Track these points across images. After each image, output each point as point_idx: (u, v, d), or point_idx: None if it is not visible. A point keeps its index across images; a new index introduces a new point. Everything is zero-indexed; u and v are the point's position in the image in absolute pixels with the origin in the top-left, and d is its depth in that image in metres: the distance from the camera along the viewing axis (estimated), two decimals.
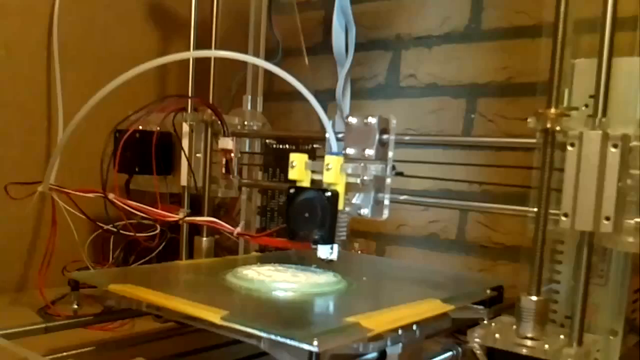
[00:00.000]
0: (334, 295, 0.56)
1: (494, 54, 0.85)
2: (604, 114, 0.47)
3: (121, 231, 0.72)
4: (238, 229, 0.64)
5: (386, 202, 0.57)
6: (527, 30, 0.82)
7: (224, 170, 0.74)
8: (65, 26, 0.87)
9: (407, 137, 0.70)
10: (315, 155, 0.83)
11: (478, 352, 0.50)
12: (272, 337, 0.40)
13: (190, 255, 0.78)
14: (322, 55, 0.95)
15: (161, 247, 0.74)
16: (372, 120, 0.57)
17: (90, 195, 0.66)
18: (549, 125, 0.48)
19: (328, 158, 0.54)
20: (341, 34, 0.77)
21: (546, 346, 0.47)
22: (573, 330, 0.49)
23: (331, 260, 0.56)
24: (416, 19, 0.93)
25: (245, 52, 0.89)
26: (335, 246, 0.55)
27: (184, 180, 0.77)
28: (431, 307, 0.51)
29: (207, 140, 0.77)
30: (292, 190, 0.55)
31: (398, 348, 0.49)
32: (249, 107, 0.86)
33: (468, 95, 0.88)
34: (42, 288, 0.71)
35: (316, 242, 0.55)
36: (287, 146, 0.80)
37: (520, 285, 0.51)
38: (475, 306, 0.57)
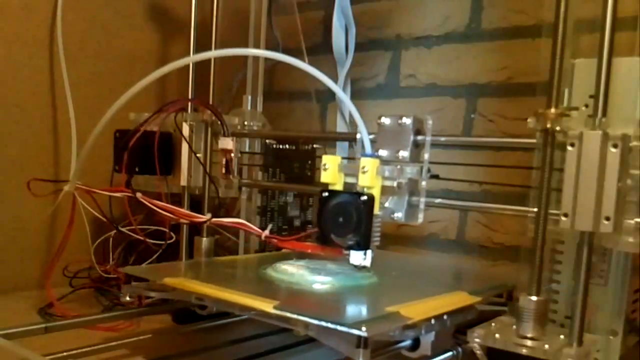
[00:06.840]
0: (369, 288, 0.58)
1: (493, 54, 0.85)
2: (604, 114, 0.47)
3: (134, 235, 0.72)
4: (266, 232, 0.62)
5: (421, 205, 0.56)
6: (527, 30, 0.82)
7: (224, 170, 0.74)
8: (67, 25, 0.87)
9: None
10: (314, 156, 0.83)
11: (478, 352, 0.50)
12: (324, 324, 0.43)
13: (190, 255, 0.78)
14: (322, 55, 0.95)
15: (163, 247, 0.74)
16: (407, 120, 0.55)
17: (118, 194, 0.65)
18: (549, 125, 0.48)
19: (364, 160, 0.51)
20: (341, 34, 0.77)
21: (546, 346, 0.47)
22: (573, 330, 0.49)
23: (364, 267, 0.54)
24: (416, 19, 0.93)
25: None
26: (369, 252, 0.53)
27: (183, 180, 0.77)
28: (460, 299, 0.54)
29: (207, 141, 0.77)
30: (325, 194, 0.53)
31: (431, 336, 0.52)
32: (249, 107, 0.86)
33: (468, 95, 0.88)
34: (48, 287, 0.72)
35: (351, 248, 0.52)
36: (287, 146, 0.80)
37: (520, 285, 0.51)
38: (497, 299, 0.58)
